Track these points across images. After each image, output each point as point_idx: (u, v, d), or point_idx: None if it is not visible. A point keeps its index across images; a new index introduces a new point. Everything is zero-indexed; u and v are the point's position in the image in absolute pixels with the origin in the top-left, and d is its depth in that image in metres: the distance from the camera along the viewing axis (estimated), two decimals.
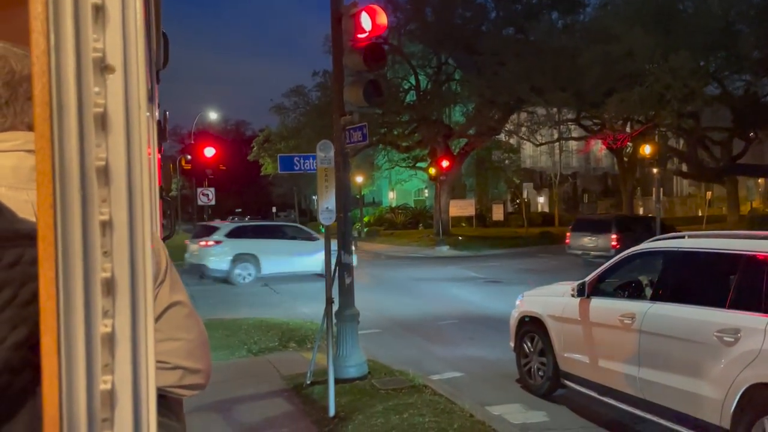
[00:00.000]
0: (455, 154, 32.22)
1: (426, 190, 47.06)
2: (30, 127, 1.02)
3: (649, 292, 5.61)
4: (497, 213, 35.98)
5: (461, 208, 33.60)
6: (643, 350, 5.07)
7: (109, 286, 0.57)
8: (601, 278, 5.95)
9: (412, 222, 41.65)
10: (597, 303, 5.78)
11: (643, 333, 5.07)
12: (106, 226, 0.57)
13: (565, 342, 6.10)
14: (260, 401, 6.21)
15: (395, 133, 32.00)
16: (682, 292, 5.07)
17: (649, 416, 5.06)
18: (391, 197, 49.48)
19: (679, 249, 5.27)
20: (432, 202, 38.49)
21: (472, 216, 36.65)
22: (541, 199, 47.35)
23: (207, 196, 23.73)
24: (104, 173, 0.57)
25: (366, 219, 42.06)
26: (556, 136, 34.78)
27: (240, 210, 68.67)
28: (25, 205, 0.91)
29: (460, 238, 29.73)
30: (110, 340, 0.57)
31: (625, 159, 34.33)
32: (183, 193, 46.59)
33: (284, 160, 7.44)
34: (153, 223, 0.90)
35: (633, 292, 5.86)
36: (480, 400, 6.20)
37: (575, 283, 6.08)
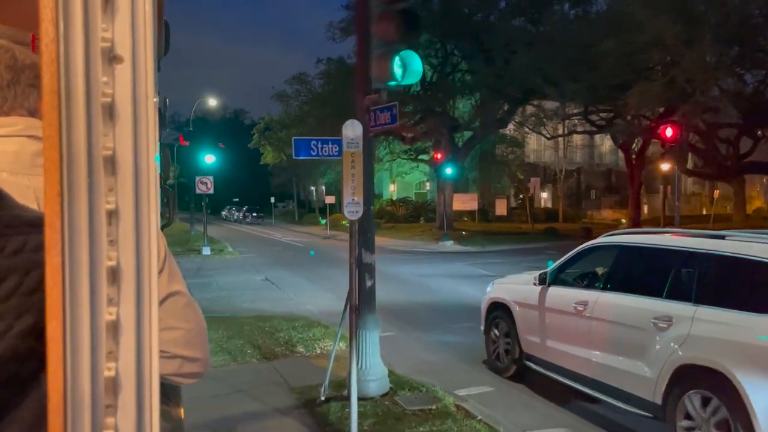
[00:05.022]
0: (459, 147, 32.10)
1: (427, 183, 46.91)
2: (30, 113, 1.03)
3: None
4: (500, 208, 35.88)
5: (464, 202, 33.49)
6: (594, 334, 5.60)
7: (115, 275, 0.58)
8: (561, 268, 6.51)
9: (413, 215, 41.56)
10: (555, 291, 6.33)
11: (593, 319, 5.60)
12: (113, 214, 0.58)
13: (528, 326, 6.66)
14: (268, 421, 5.49)
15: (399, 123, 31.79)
16: (628, 283, 5.60)
17: (598, 395, 5.50)
18: (392, 190, 49.41)
19: (627, 244, 5.82)
20: (433, 195, 38.36)
21: (475, 210, 36.53)
22: (545, 195, 47.22)
23: (205, 184, 22.28)
24: (111, 163, 0.57)
25: None
26: (561, 131, 34.51)
27: (237, 200, 68.32)
28: (26, 190, 0.92)
29: (464, 232, 29.58)
30: (115, 327, 0.58)
31: (633, 156, 34.09)
32: (180, 181, 46.19)
33: (300, 144, 6.11)
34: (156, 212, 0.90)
35: (590, 282, 6.31)
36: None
37: (539, 272, 6.63)
